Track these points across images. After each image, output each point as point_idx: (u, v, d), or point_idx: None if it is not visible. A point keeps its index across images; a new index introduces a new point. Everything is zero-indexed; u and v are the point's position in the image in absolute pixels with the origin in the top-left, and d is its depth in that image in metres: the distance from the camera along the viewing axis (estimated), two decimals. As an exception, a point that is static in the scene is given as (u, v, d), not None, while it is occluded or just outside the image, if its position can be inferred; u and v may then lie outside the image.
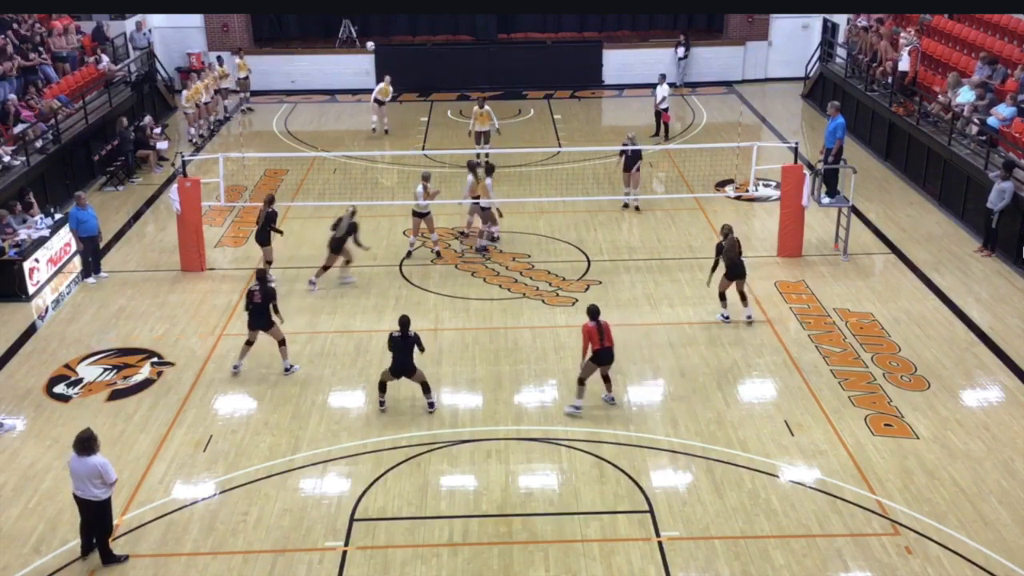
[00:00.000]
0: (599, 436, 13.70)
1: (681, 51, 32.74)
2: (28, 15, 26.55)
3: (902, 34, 25.79)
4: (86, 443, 10.92)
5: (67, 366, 15.80)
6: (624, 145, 21.66)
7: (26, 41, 24.97)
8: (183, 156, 20.10)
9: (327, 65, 33.08)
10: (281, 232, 18.90)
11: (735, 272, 16.50)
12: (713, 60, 33.48)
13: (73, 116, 24.18)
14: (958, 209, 21.26)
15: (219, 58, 30.77)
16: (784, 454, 13.30)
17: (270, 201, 18.36)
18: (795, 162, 19.88)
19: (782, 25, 33.42)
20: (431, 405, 14.30)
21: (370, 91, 28.91)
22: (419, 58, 33.31)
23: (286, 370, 15.41)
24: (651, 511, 12.16)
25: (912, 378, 15.13)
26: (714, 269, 16.72)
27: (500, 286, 18.35)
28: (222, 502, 12.48)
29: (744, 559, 11.36)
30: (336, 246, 18.05)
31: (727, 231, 16.52)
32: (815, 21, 33.08)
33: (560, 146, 27.01)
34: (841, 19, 31.01)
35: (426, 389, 14.25)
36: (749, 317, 16.77)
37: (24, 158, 21.36)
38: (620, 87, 33.14)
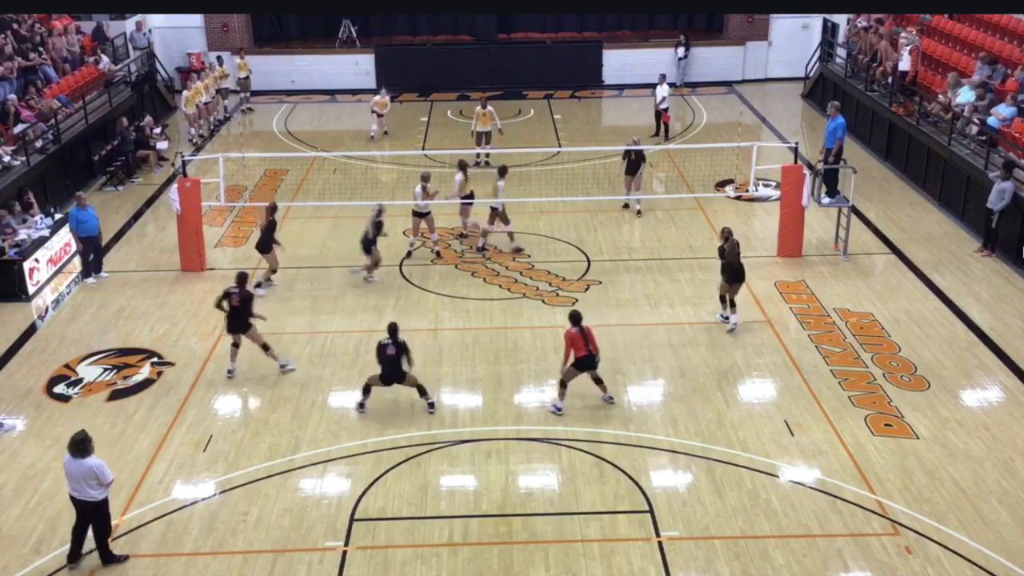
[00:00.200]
0: (599, 436, 13.70)
1: (681, 51, 32.73)
2: (28, 15, 26.54)
3: (902, 34, 25.77)
4: (81, 444, 10.91)
5: (67, 366, 15.80)
6: (628, 147, 21.47)
7: (26, 41, 24.97)
8: (183, 156, 20.08)
9: (327, 65, 33.09)
10: (279, 243, 18.61)
11: (734, 276, 16.41)
12: (713, 60, 33.48)
13: (73, 116, 24.16)
14: (958, 209, 21.26)
15: (219, 58, 30.78)
16: (784, 454, 13.30)
17: (272, 210, 18.23)
18: (795, 162, 19.87)
19: (782, 25, 33.42)
20: (431, 406, 14.29)
21: (370, 91, 28.90)
22: (419, 58, 33.32)
23: (281, 367, 15.41)
24: (651, 511, 12.16)
25: (912, 378, 15.12)
26: (723, 274, 16.43)
27: (500, 286, 18.34)
28: (222, 502, 12.48)
29: (744, 559, 11.36)
30: (367, 247, 18.16)
31: (727, 234, 16.43)
32: (815, 21, 33.08)
33: (560, 146, 27.00)
34: (841, 19, 31.02)
35: (422, 391, 14.22)
36: (734, 327, 16.48)
37: (24, 158, 21.35)
38: (620, 87, 33.14)
